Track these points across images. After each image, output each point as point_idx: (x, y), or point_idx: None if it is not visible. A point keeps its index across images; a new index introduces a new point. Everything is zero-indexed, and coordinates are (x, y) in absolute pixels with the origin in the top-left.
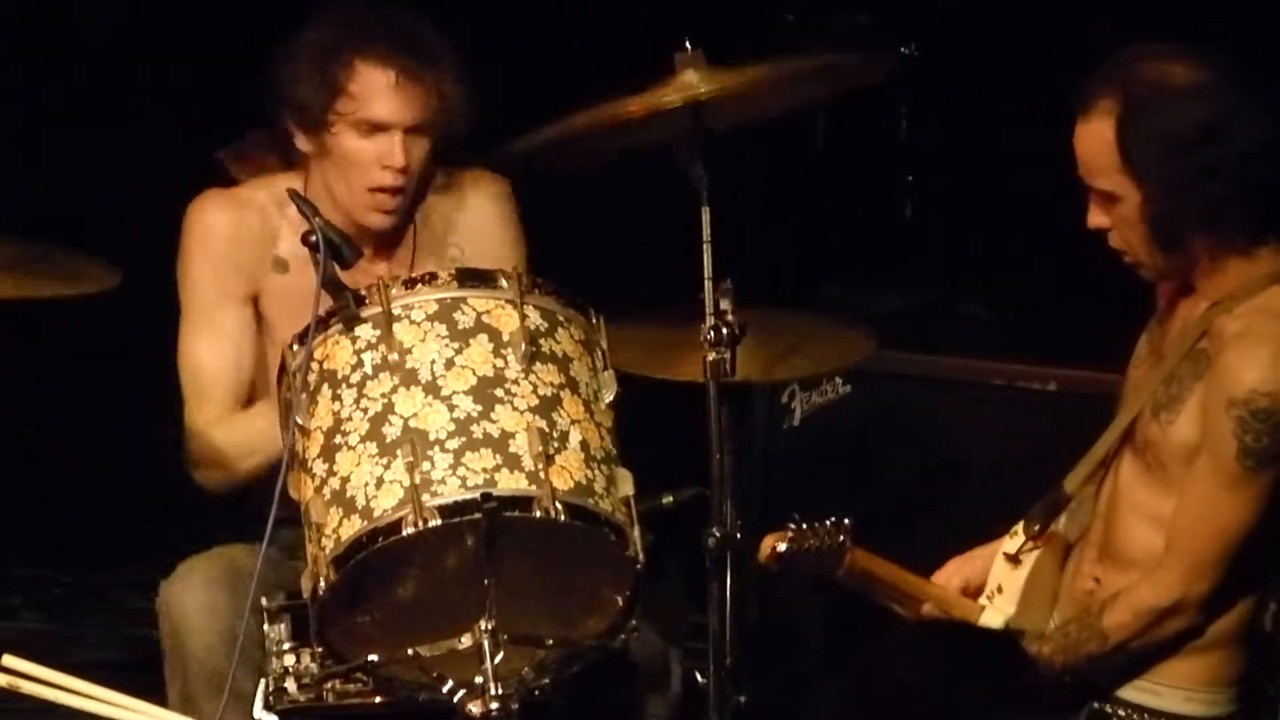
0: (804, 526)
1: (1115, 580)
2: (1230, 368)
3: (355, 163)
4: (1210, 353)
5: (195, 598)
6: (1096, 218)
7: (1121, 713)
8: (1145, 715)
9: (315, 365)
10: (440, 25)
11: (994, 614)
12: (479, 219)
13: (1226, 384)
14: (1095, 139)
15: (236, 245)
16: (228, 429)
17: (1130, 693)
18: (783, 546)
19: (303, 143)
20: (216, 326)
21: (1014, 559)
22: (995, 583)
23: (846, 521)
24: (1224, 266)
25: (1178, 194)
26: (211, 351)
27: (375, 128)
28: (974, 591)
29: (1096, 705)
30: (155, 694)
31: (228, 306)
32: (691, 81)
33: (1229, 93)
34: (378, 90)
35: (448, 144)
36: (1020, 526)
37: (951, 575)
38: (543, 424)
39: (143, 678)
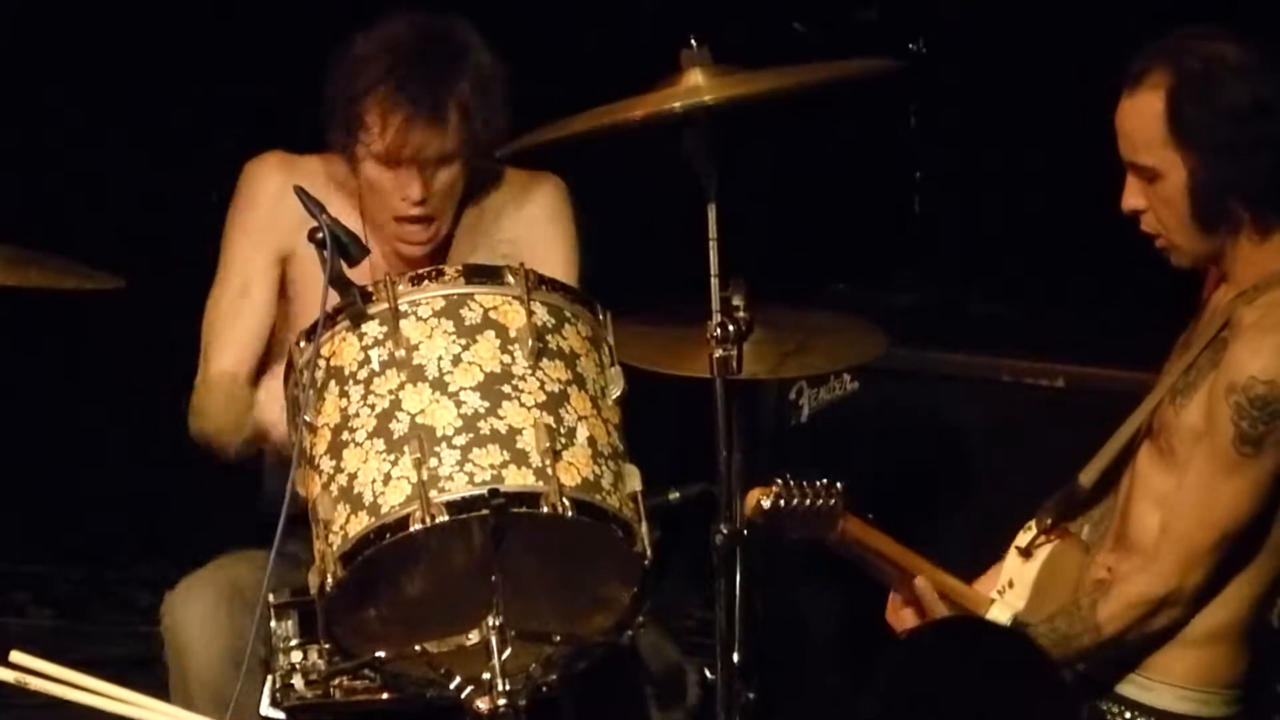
0: (792, 483)
1: (1124, 568)
2: (1236, 355)
3: (378, 191)
4: (1228, 342)
5: (197, 615)
6: (1133, 199)
7: (1114, 708)
8: (1136, 710)
9: (322, 362)
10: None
11: (1004, 608)
12: (532, 216)
13: (1229, 370)
14: (1143, 112)
15: (279, 204)
16: (225, 391)
17: (1123, 687)
18: (768, 502)
19: (341, 154)
20: (245, 281)
21: (1026, 552)
22: (1006, 576)
23: (839, 485)
24: (1252, 253)
25: (1228, 166)
26: (233, 304)
27: (393, 161)
28: None
29: (1090, 702)
30: (163, 690)
31: (258, 263)
32: (697, 85)
33: (1277, 71)
34: (391, 126)
35: (488, 152)
36: (1033, 520)
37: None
38: (550, 420)
39: (151, 674)
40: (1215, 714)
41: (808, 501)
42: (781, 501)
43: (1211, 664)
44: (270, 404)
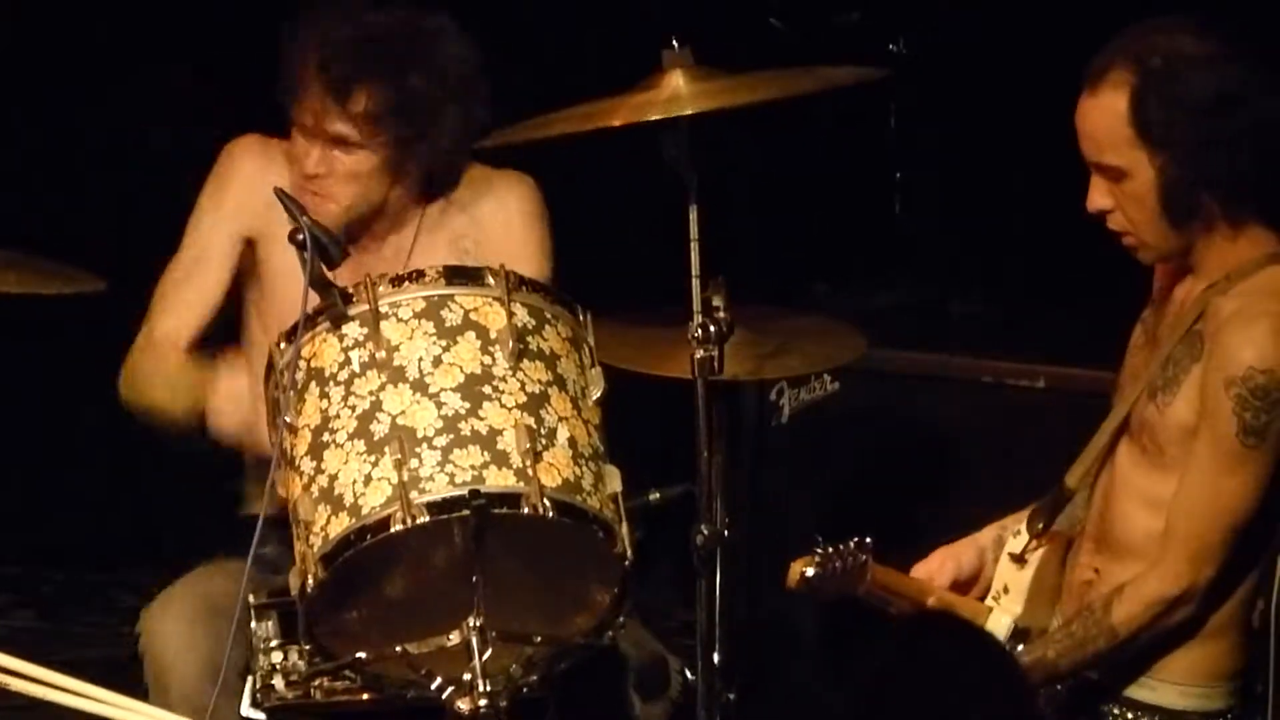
0: (829, 550)
1: (1114, 570)
2: (1227, 347)
3: (294, 157)
4: (1206, 334)
5: (174, 631)
6: (1099, 199)
7: (1116, 710)
8: (1140, 711)
9: (303, 363)
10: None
11: (1001, 614)
12: (502, 216)
13: (1224, 363)
14: (1106, 112)
15: (251, 185)
16: (159, 355)
17: (1127, 689)
18: (811, 572)
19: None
20: (201, 252)
21: (1019, 559)
22: (1001, 583)
23: (869, 541)
24: (1223, 246)
25: (1196, 162)
26: (185, 271)
27: (304, 129)
28: (964, 579)
29: (1094, 705)
30: (145, 692)
31: (218, 239)
32: (678, 90)
33: (1243, 64)
34: (310, 97)
35: (436, 151)
36: (1024, 525)
37: (941, 566)
38: (530, 421)
39: (133, 676)
40: (1217, 706)
41: (844, 563)
42: (824, 569)
43: (1212, 658)
44: (229, 403)
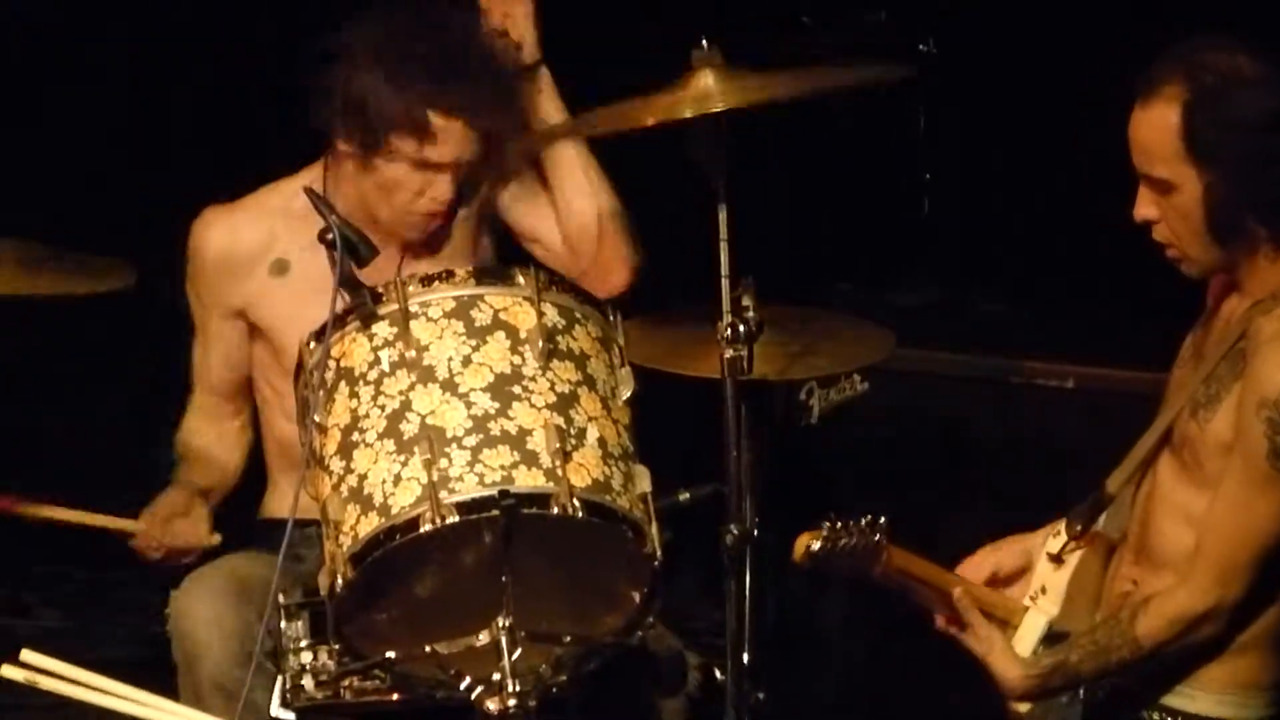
0: (838, 525)
1: (1151, 582)
2: (1263, 369)
3: (401, 189)
4: (1247, 353)
5: (203, 613)
6: (1146, 209)
7: (1155, 715)
8: (1177, 718)
9: (332, 363)
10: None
11: (1038, 615)
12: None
13: (1259, 385)
14: (1158, 126)
15: (224, 264)
16: (185, 428)
17: (1165, 698)
18: (816, 545)
19: (346, 147)
20: (205, 333)
21: (1057, 559)
22: (1039, 583)
23: (883, 520)
24: (1266, 267)
25: (1244, 181)
26: (200, 353)
27: (429, 166)
28: (1003, 580)
29: (1131, 712)
30: (172, 690)
31: (213, 318)
32: (708, 89)
33: None
34: (445, 135)
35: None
36: (1063, 526)
37: (980, 564)
38: (560, 421)
39: (159, 674)
40: (1257, 715)
41: (854, 540)
42: (830, 544)
43: (1251, 668)
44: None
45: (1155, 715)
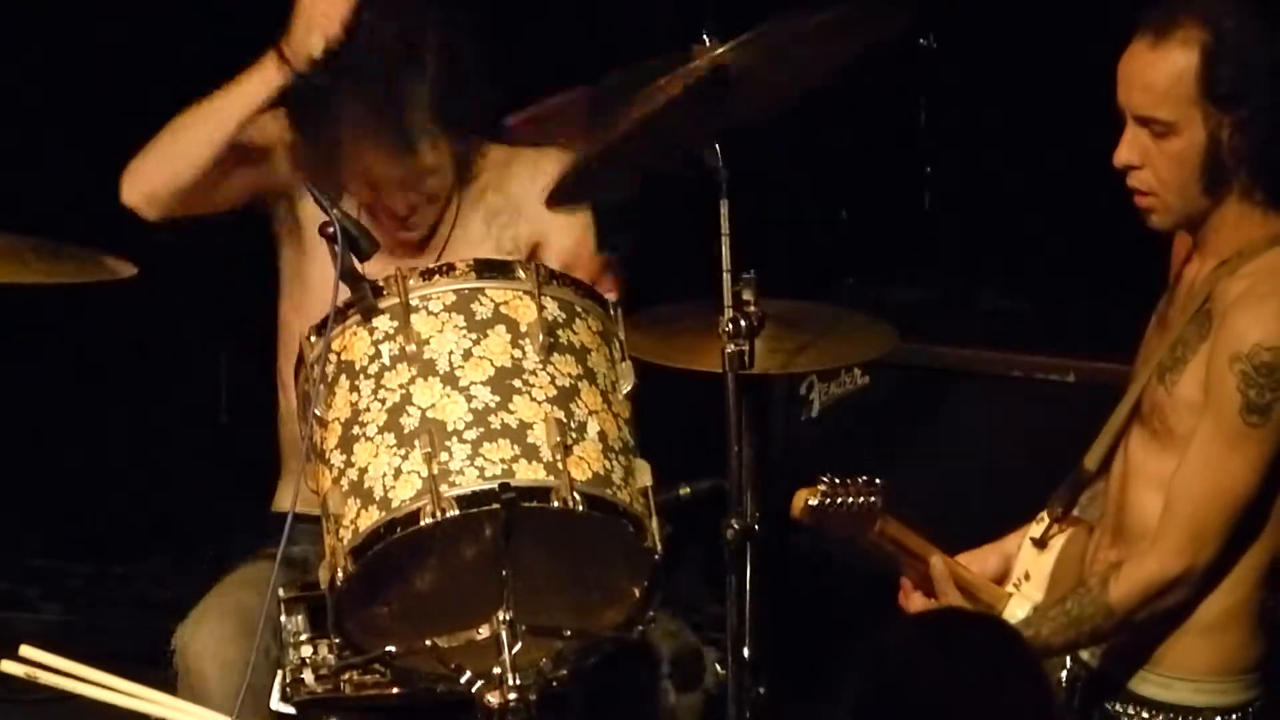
0: (837, 482)
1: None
2: (1234, 325)
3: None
4: (1214, 313)
5: (210, 649)
6: (1129, 154)
7: (1131, 710)
8: (1155, 710)
9: (333, 356)
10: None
11: (1021, 600)
12: (534, 188)
13: (1230, 341)
14: (1170, 68)
15: None
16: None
17: (1141, 687)
18: (815, 501)
19: None
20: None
21: (1040, 543)
22: (1022, 569)
23: (879, 481)
24: (1235, 222)
25: (1251, 127)
26: None
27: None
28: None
29: (1108, 706)
30: (172, 686)
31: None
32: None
33: None
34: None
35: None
36: (1045, 512)
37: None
38: (560, 415)
39: (160, 669)
40: (1236, 700)
41: (852, 499)
42: (828, 500)
43: (1227, 651)
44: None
45: (1132, 709)
